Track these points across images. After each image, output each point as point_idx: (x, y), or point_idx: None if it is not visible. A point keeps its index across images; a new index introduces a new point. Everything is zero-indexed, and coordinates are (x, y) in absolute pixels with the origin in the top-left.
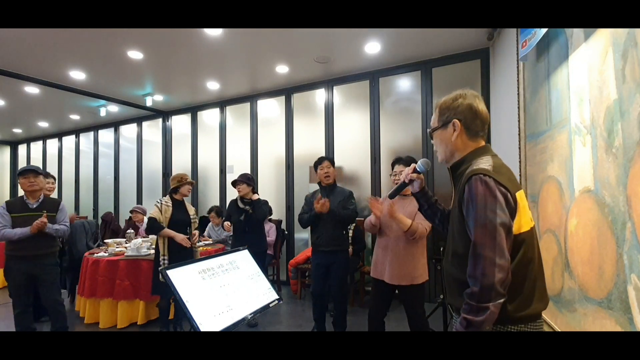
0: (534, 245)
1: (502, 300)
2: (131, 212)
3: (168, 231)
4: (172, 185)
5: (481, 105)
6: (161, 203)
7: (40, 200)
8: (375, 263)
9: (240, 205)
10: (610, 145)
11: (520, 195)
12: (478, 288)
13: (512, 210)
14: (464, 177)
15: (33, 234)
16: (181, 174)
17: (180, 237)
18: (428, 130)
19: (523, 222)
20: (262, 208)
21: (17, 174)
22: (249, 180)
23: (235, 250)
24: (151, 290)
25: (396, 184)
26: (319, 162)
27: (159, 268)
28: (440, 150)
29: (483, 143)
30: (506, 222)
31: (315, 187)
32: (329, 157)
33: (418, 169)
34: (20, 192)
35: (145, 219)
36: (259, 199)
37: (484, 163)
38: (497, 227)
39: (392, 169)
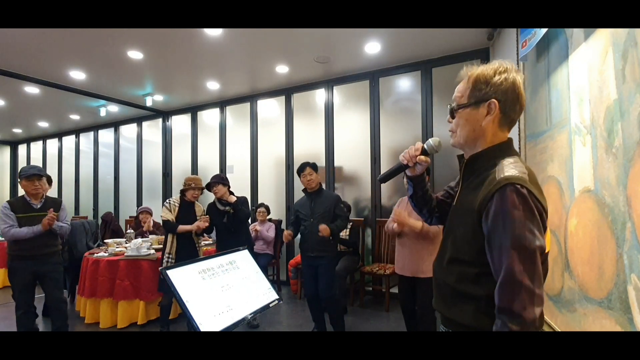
0: (547, 266)
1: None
2: (140, 212)
3: (183, 227)
4: (183, 186)
5: (522, 88)
6: (170, 203)
7: (43, 201)
8: (397, 260)
9: (220, 207)
10: (610, 145)
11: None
12: (519, 326)
13: (545, 228)
14: (494, 183)
15: (39, 232)
16: (191, 177)
17: (194, 227)
18: (451, 105)
19: (547, 242)
20: (244, 209)
21: (19, 175)
22: (224, 180)
23: (235, 250)
24: (157, 287)
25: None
26: (301, 169)
27: (159, 268)
28: (462, 132)
29: (508, 136)
30: (543, 245)
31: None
32: (310, 162)
33: (427, 148)
34: (21, 192)
35: (151, 219)
36: (236, 199)
37: (516, 168)
38: (535, 252)
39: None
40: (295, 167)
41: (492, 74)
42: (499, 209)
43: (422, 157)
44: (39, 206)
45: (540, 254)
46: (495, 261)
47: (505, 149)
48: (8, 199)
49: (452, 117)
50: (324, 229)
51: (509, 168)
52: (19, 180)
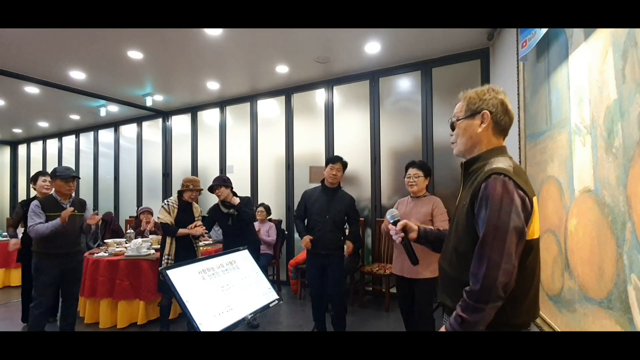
0: (539, 254)
1: (499, 304)
2: (142, 212)
3: (183, 231)
4: (181, 187)
5: (510, 105)
6: (168, 204)
7: (71, 200)
8: (395, 261)
9: (224, 209)
10: (610, 145)
11: (535, 201)
12: (478, 287)
13: (528, 214)
14: (482, 174)
15: (68, 232)
16: (190, 178)
17: (194, 230)
18: (451, 119)
19: (534, 230)
20: (248, 211)
21: (53, 174)
22: (226, 182)
23: (235, 250)
24: (157, 287)
25: (410, 186)
26: (332, 160)
27: (159, 268)
28: (461, 142)
29: (503, 144)
30: (519, 226)
31: (317, 185)
32: (343, 159)
33: (390, 220)
34: (21, 191)
35: (152, 219)
36: (240, 202)
37: (503, 163)
38: (508, 231)
39: (406, 172)
40: (296, 167)
41: (483, 92)
42: (483, 194)
43: (395, 226)
44: (68, 205)
45: (518, 235)
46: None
47: (498, 152)
48: (8, 199)
49: (453, 129)
50: (350, 250)
51: (497, 163)
52: (52, 179)
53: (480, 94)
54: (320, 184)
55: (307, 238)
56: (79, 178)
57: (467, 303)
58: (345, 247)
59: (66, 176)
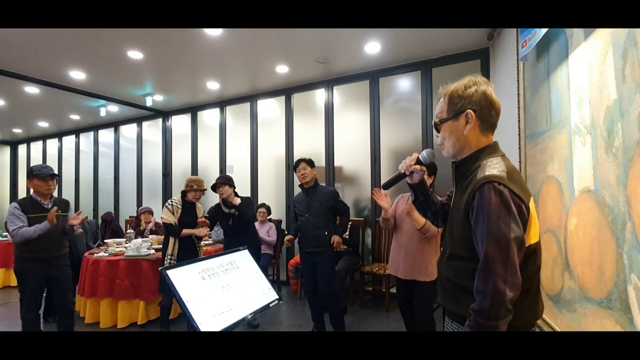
0: (539, 258)
1: (510, 317)
2: (142, 212)
3: (187, 231)
4: (185, 187)
5: (494, 94)
6: (172, 205)
7: (52, 200)
8: (391, 259)
9: (225, 209)
10: (610, 145)
11: (531, 204)
12: (488, 305)
13: (525, 221)
14: (475, 182)
15: (51, 234)
16: (194, 178)
17: (198, 231)
18: (434, 121)
19: (533, 234)
20: (248, 211)
21: (30, 174)
22: (230, 181)
23: (235, 250)
24: (158, 287)
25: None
26: (295, 165)
27: (159, 268)
28: (449, 144)
29: (493, 139)
30: (520, 236)
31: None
32: (305, 158)
33: (421, 159)
34: (21, 192)
35: (153, 219)
36: (240, 202)
37: (497, 167)
38: (510, 243)
39: None
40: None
41: (464, 88)
42: (478, 205)
43: (417, 166)
44: (49, 206)
45: (519, 245)
46: (479, 252)
47: (489, 151)
48: (8, 199)
49: (438, 131)
50: (338, 242)
51: (490, 168)
52: (29, 179)
53: (460, 91)
54: (300, 188)
55: (287, 237)
56: (58, 176)
57: (479, 323)
58: (335, 243)
59: (43, 175)
